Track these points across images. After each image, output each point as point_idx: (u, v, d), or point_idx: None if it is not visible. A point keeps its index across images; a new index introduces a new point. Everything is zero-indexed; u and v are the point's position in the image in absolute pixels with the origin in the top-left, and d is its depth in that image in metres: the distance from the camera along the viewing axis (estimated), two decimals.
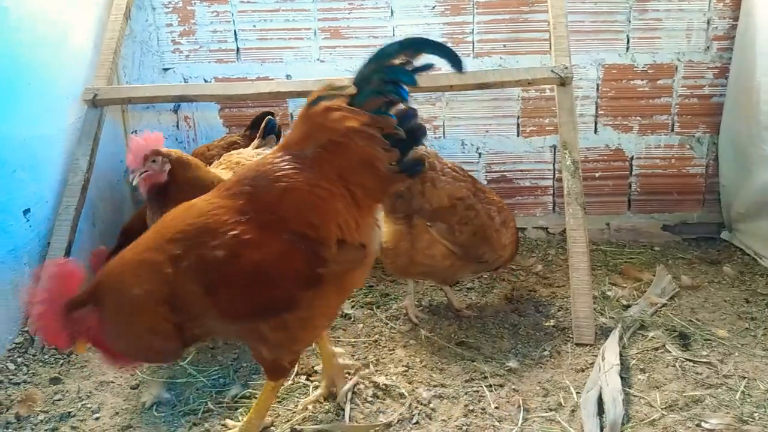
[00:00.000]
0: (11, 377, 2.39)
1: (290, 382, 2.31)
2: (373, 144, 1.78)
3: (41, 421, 2.14)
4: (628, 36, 3.44)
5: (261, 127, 3.03)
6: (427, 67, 1.82)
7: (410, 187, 2.49)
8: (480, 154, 3.62)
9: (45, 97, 2.81)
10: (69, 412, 2.18)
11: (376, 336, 2.66)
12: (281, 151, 1.85)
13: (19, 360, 2.49)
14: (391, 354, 2.51)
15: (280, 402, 2.19)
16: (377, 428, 2.04)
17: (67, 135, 2.94)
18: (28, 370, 2.44)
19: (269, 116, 3.10)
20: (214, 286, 1.67)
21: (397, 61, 1.79)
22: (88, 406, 2.22)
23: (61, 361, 2.52)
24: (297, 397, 2.22)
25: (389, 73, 1.79)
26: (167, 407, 2.20)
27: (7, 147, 2.54)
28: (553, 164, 3.62)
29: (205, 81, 3.55)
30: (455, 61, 1.80)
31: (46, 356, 2.53)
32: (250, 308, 1.73)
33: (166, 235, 1.71)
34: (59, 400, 2.27)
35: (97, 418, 2.16)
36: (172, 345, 1.74)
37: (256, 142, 3.01)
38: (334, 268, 1.77)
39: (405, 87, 1.81)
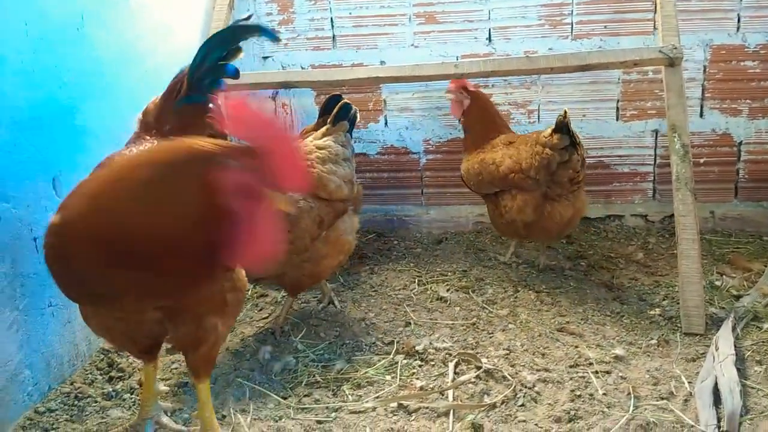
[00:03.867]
0: None
1: (390, 360, 2.35)
2: None
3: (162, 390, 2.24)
4: (738, 15, 3.25)
5: (333, 112, 2.79)
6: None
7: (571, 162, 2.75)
8: None
9: (158, 83, 2.94)
10: (185, 383, 2.29)
11: (474, 319, 2.66)
12: None
13: None
14: (490, 337, 2.51)
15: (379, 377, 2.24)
16: (483, 408, 2.05)
17: None
18: None
19: (344, 101, 2.84)
20: None
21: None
22: None
23: None
24: (404, 375, 2.26)
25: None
26: (282, 375, 2.29)
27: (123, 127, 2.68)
28: (655, 149, 3.48)
29: (302, 68, 3.62)
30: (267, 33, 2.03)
31: None
32: None
33: None
34: (176, 368, 2.39)
35: (215, 382, 2.23)
36: None
37: (323, 129, 2.78)
38: None
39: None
